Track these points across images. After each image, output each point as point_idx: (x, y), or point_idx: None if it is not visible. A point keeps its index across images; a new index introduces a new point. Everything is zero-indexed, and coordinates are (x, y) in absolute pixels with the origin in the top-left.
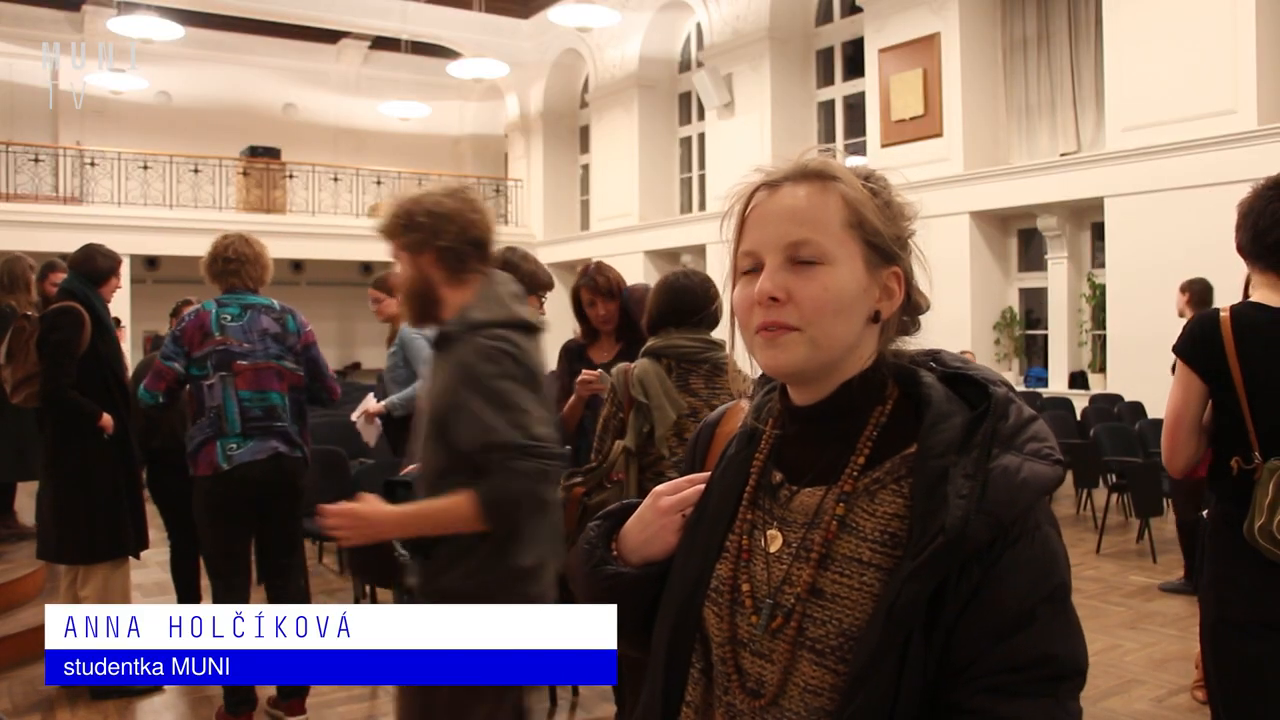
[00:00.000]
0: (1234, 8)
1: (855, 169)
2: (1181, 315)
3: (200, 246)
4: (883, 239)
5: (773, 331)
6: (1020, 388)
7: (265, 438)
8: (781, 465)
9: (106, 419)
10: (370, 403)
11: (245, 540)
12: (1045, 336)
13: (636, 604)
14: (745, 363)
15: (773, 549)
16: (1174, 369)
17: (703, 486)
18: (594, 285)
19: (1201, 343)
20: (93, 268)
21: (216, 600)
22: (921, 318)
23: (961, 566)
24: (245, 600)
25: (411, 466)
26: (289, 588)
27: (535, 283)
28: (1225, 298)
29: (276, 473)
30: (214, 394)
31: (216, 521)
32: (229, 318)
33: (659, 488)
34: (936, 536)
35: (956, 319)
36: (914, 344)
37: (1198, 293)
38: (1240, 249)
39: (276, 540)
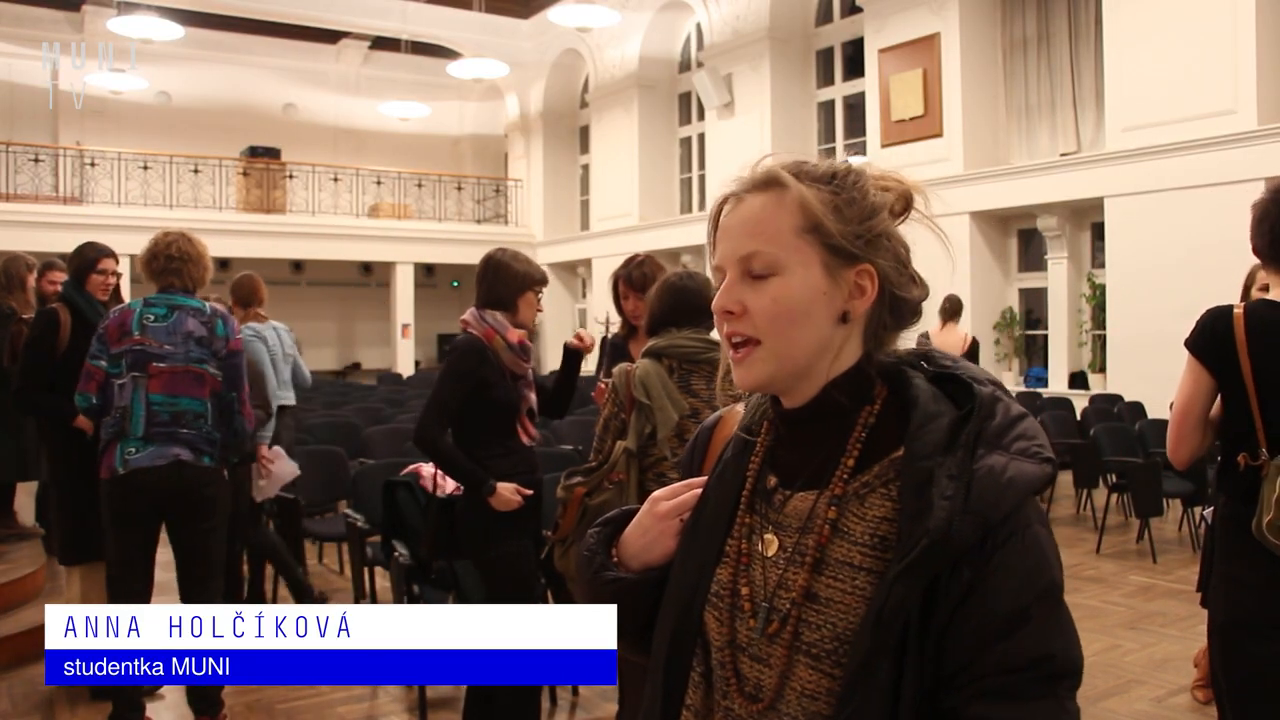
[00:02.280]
0: (1234, 8)
1: (819, 169)
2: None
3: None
4: (840, 240)
5: (739, 350)
6: (1020, 388)
7: (167, 444)
8: (776, 469)
9: (83, 420)
10: (264, 450)
11: (144, 548)
12: (1045, 336)
13: (637, 609)
14: None
15: (769, 553)
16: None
17: (700, 490)
18: (629, 279)
19: (1212, 337)
20: (76, 263)
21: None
22: (923, 320)
23: (952, 567)
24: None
25: (412, 466)
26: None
27: (529, 280)
28: (1226, 297)
29: (177, 481)
30: (123, 394)
31: (114, 527)
32: (153, 318)
33: (657, 493)
34: (922, 538)
35: None
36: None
37: (949, 307)
38: (1256, 252)
39: (186, 551)
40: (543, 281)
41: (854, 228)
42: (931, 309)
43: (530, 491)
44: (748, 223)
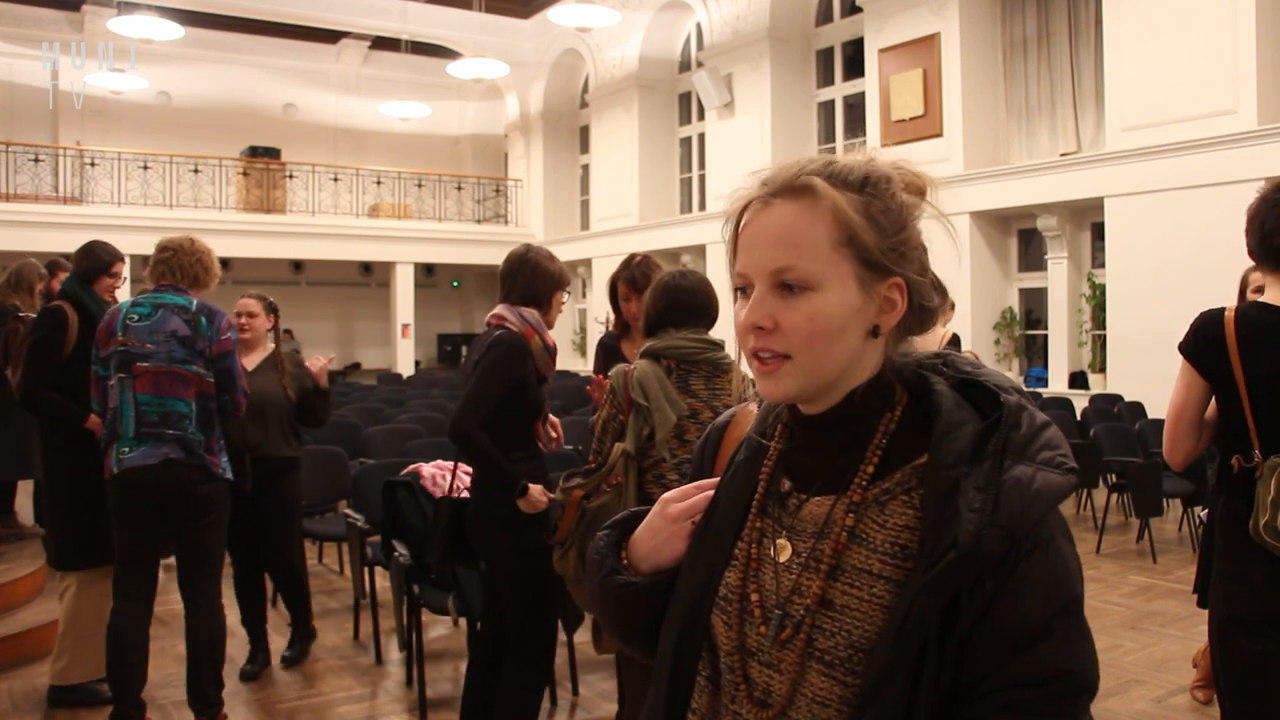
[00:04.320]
0: (1234, 8)
1: (852, 173)
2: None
3: None
4: (876, 254)
5: (766, 363)
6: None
7: (158, 444)
8: (790, 473)
9: (94, 420)
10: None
11: (148, 547)
12: (1045, 336)
13: (647, 612)
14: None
15: (781, 559)
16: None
17: (711, 493)
18: (631, 281)
19: (1204, 341)
20: (87, 264)
21: (114, 619)
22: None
23: (975, 579)
24: (142, 618)
25: (412, 466)
26: (200, 609)
27: (562, 280)
28: (1226, 297)
29: (168, 479)
30: (113, 395)
31: (116, 525)
32: (136, 317)
33: (667, 495)
34: (948, 550)
35: (957, 319)
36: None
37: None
38: (1250, 252)
39: (183, 552)
40: (569, 282)
41: (889, 240)
42: None
43: (553, 495)
44: (779, 233)
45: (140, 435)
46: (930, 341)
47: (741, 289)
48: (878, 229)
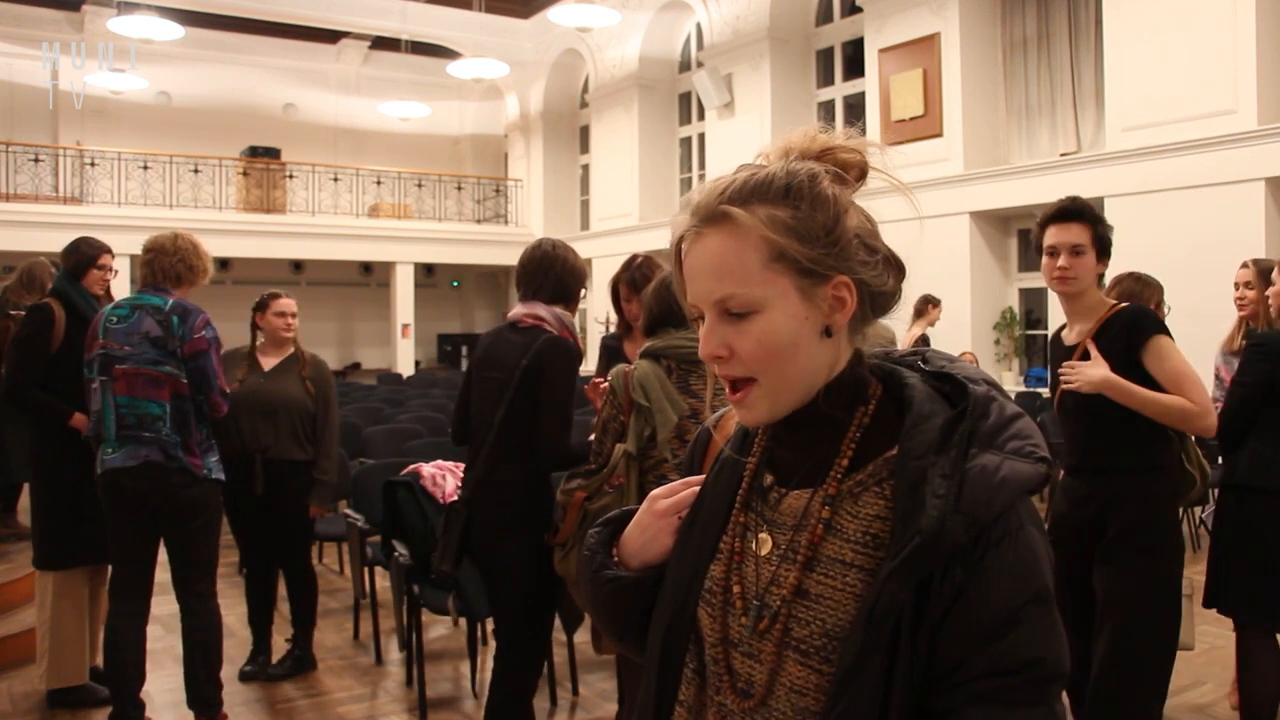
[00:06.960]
0: (1234, 8)
1: (772, 185)
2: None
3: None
4: (809, 264)
5: (737, 390)
6: (1020, 388)
7: (137, 446)
8: (772, 467)
9: (80, 418)
10: None
11: (141, 547)
12: (1045, 337)
13: (637, 608)
14: None
15: (763, 552)
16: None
17: (697, 489)
18: (631, 281)
19: None
20: (74, 260)
21: (110, 620)
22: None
23: (944, 567)
24: (138, 618)
25: (412, 466)
26: (194, 611)
27: (584, 277)
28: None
29: (148, 482)
30: (96, 398)
31: (109, 525)
32: (115, 319)
33: (655, 491)
34: (914, 537)
35: (956, 319)
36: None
37: (919, 307)
38: None
39: (175, 554)
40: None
41: (819, 248)
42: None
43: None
44: (712, 264)
45: (121, 437)
46: (908, 341)
47: (698, 317)
48: (805, 239)
